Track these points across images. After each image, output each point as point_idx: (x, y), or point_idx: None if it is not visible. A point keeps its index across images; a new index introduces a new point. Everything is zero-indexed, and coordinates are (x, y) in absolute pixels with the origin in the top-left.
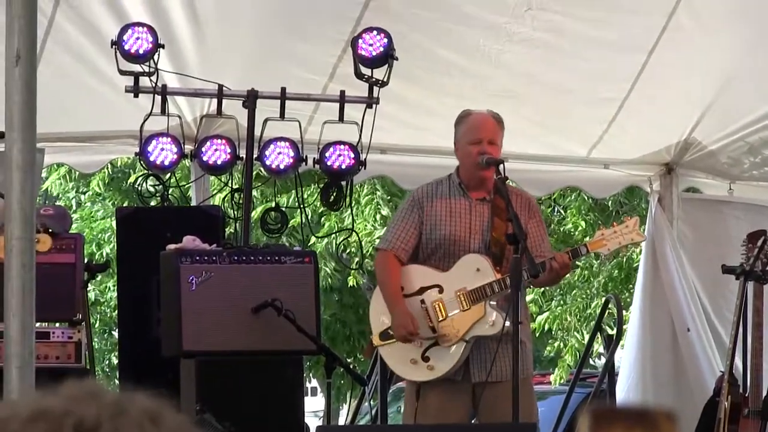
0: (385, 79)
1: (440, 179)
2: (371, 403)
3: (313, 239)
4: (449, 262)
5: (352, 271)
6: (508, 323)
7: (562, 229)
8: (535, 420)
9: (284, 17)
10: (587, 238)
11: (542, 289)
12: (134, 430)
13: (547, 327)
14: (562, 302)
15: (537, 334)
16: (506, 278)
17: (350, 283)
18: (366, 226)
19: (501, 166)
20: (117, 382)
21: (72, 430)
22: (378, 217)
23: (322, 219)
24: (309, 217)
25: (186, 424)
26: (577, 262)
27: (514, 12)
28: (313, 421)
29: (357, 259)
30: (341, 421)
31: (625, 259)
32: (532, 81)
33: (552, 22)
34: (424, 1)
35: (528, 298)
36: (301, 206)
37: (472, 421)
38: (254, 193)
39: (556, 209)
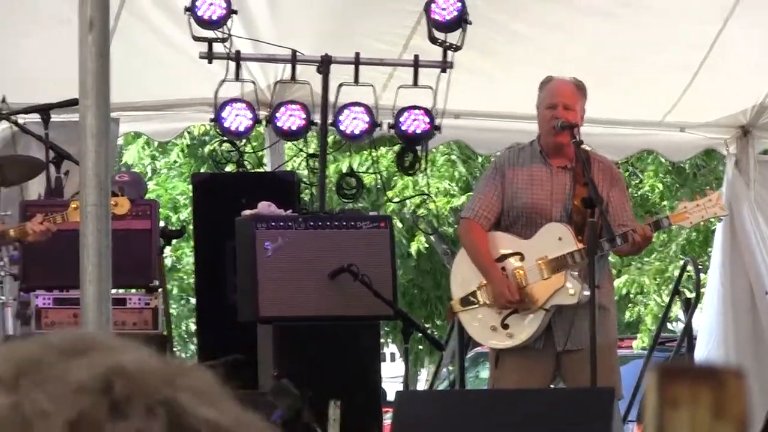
0: (458, 44)
1: (523, 145)
2: (449, 368)
3: (385, 200)
4: (531, 230)
5: (417, 237)
6: (587, 293)
7: (639, 193)
8: (617, 386)
9: None
10: (665, 202)
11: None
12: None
13: (625, 291)
14: (639, 265)
15: (615, 297)
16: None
17: (414, 248)
18: (440, 186)
19: (575, 130)
20: (194, 347)
21: None
22: (455, 175)
23: (394, 179)
24: (383, 178)
25: None
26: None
27: None
28: (391, 387)
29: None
30: (420, 387)
31: (702, 223)
32: (610, 49)
33: None
34: None
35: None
36: (376, 171)
37: None
38: (328, 157)
39: (633, 173)
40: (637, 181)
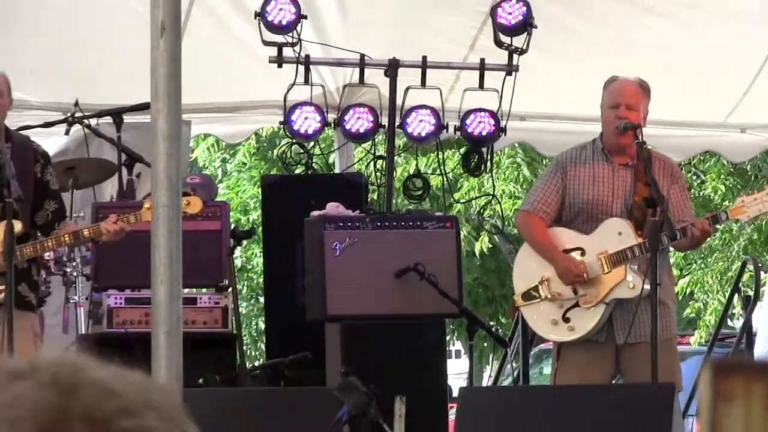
0: (524, 47)
1: (584, 144)
2: (513, 364)
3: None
4: (592, 226)
5: (481, 237)
6: (647, 286)
7: (701, 194)
8: (677, 380)
9: None
10: (726, 203)
11: (683, 253)
12: None
13: (688, 290)
14: (702, 265)
15: (679, 297)
16: (647, 242)
17: (479, 247)
18: (506, 189)
19: (638, 131)
20: (263, 346)
21: None
22: (519, 177)
23: (459, 181)
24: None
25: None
26: (717, 227)
27: None
28: (456, 383)
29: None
30: (484, 383)
31: (764, 223)
32: (672, 50)
33: None
34: None
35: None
36: (442, 173)
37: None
38: (396, 159)
39: (695, 174)
40: (699, 182)
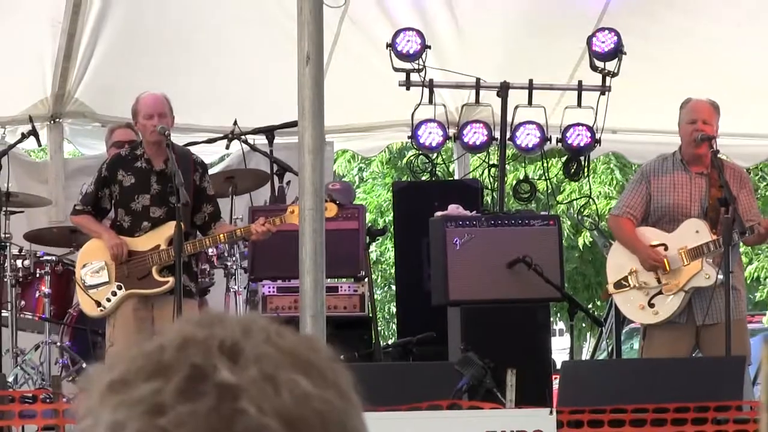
0: (615, 71)
1: (666, 155)
2: (607, 341)
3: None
4: (673, 226)
5: (584, 230)
6: (721, 276)
7: (767, 194)
8: (747, 353)
9: (533, 18)
10: None
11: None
12: (263, 342)
13: (756, 275)
14: None
15: (748, 281)
16: (720, 239)
17: (579, 241)
18: (601, 190)
19: (713, 141)
20: (395, 327)
21: (218, 350)
22: (613, 180)
23: (562, 184)
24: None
25: (303, 339)
26: None
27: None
28: (559, 357)
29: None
30: (583, 357)
31: None
32: (739, 68)
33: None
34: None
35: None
36: (547, 178)
37: None
38: (507, 167)
39: (762, 177)
40: (765, 184)
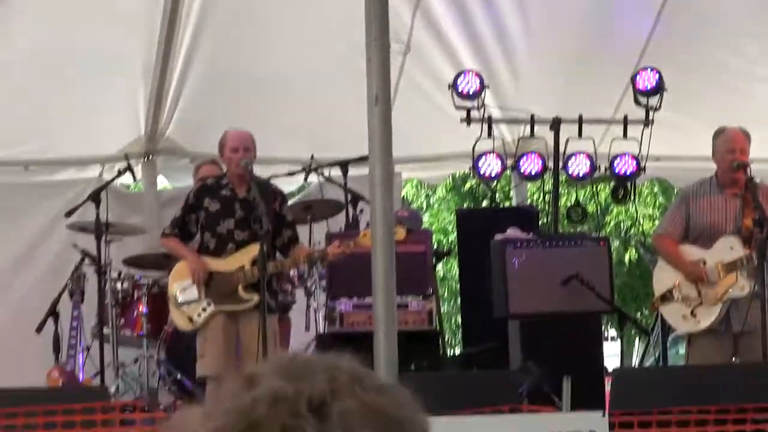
0: (657, 106)
1: (703, 180)
2: (654, 348)
3: (604, 224)
4: (710, 243)
5: (630, 247)
6: (756, 287)
7: None
8: None
9: (581, 58)
10: None
11: None
12: (348, 398)
13: None
14: None
15: None
16: (753, 253)
17: (627, 258)
18: (646, 212)
19: (748, 168)
20: (461, 338)
21: (306, 409)
22: (656, 203)
23: (610, 208)
24: (601, 207)
25: (387, 394)
26: None
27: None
28: (610, 363)
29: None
30: (633, 360)
31: None
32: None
33: None
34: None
35: None
36: (597, 202)
37: None
38: (560, 193)
39: None
40: None
